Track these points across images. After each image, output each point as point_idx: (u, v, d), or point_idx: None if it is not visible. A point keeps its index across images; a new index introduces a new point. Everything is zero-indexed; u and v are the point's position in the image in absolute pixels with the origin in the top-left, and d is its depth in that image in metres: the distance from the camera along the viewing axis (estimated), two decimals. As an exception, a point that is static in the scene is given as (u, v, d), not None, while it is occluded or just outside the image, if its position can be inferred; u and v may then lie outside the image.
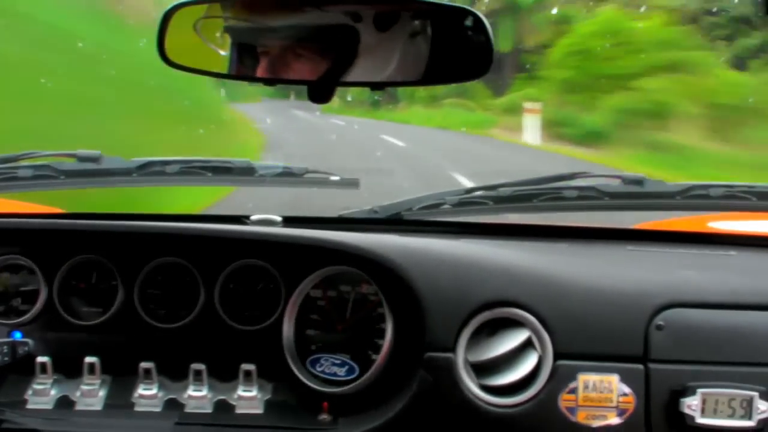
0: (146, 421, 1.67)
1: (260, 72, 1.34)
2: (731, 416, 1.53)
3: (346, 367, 1.71)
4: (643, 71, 13.83)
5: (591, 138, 13.72)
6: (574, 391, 1.54)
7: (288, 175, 2.26)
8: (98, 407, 1.69)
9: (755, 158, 10.28)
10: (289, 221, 1.91)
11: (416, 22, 1.32)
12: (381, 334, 1.69)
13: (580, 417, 1.54)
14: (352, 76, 1.33)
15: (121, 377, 1.72)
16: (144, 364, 1.69)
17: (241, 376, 1.69)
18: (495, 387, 1.57)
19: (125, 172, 2.17)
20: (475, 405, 1.56)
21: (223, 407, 1.69)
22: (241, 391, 1.69)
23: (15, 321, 1.79)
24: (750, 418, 1.52)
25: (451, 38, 1.35)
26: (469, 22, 1.31)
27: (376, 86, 1.36)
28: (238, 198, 5.54)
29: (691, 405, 1.52)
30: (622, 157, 11.79)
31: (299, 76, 1.34)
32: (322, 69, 1.32)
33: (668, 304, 1.58)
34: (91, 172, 2.16)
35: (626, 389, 1.54)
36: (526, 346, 1.57)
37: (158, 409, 1.68)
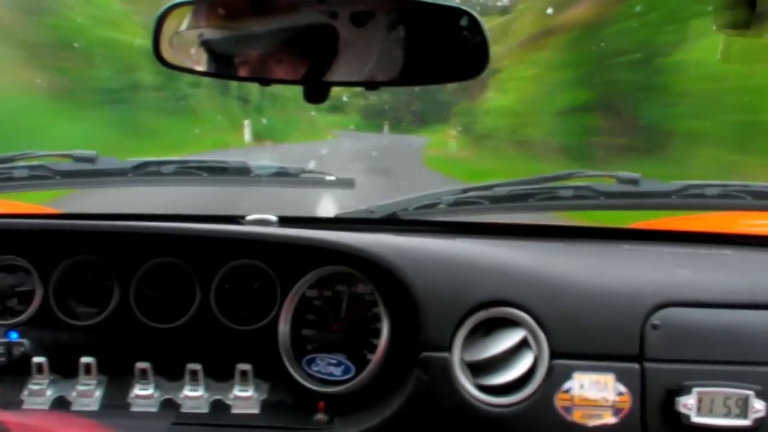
0: (142, 421, 1.67)
1: (253, 73, 1.35)
2: (727, 415, 1.53)
3: (342, 367, 1.71)
4: None
5: None
6: (569, 390, 1.55)
7: (284, 175, 2.26)
8: (94, 407, 1.69)
9: None
10: (284, 221, 1.92)
11: (408, 22, 1.32)
12: (377, 333, 1.69)
13: (576, 416, 1.54)
14: (345, 75, 1.33)
15: (117, 377, 1.72)
16: (140, 365, 1.69)
17: (237, 376, 1.69)
18: (491, 386, 1.57)
19: (121, 173, 2.17)
20: (471, 405, 1.56)
21: (219, 407, 1.69)
22: (237, 391, 1.69)
23: (11, 321, 1.79)
24: (745, 417, 1.52)
25: (447, 38, 1.35)
26: (464, 22, 1.32)
27: (370, 86, 1.36)
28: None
29: (687, 404, 1.52)
30: None
31: (288, 75, 1.34)
32: (310, 68, 1.32)
33: (664, 304, 1.59)
34: (86, 173, 2.16)
35: (622, 388, 1.54)
36: (522, 345, 1.57)
37: (154, 410, 1.68)
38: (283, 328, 1.74)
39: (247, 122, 18.46)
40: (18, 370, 1.73)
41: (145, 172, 2.17)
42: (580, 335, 1.57)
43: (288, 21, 1.30)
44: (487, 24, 1.31)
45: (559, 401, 1.55)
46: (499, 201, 2.13)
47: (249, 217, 1.91)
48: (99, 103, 14.14)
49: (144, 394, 1.69)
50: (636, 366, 1.56)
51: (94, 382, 1.70)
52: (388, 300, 1.68)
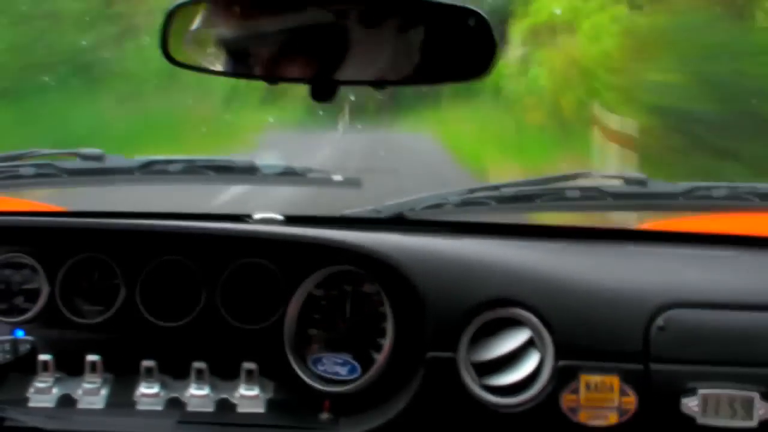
0: (148, 419, 1.67)
1: (259, 71, 1.35)
2: (732, 417, 1.53)
3: (348, 367, 1.71)
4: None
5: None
6: (575, 391, 1.55)
7: (290, 175, 2.26)
8: (100, 406, 1.69)
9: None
10: (291, 220, 1.92)
11: (417, 22, 1.32)
12: (383, 333, 1.69)
13: (582, 417, 1.54)
14: (353, 74, 1.33)
15: (122, 376, 1.73)
16: (146, 363, 1.69)
17: (242, 374, 1.69)
18: (496, 387, 1.57)
19: (127, 171, 2.17)
20: (476, 405, 1.56)
21: (224, 406, 1.69)
22: (242, 390, 1.69)
23: (17, 319, 1.80)
24: (750, 418, 1.52)
25: (455, 37, 1.35)
26: (472, 21, 1.32)
27: (377, 85, 1.37)
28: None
29: (692, 405, 1.52)
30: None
31: (296, 74, 1.34)
32: (318, 66, 1.32)
33: (670, 304, 1.58)
34: (93, 171, 2.16)
35: (627, 389, 1.54)
36: (528, 345, 1.58)
37: (160, 408, 1.68)
38: (289, 327, 1.74)
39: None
40: (24, 368, 1.73)
41: (151, 170, 2.17)
42: (586, 336, 1.57)
43: (297, 20, 1.30)
44: None
45: (565, 402, 1.55)
46: (506, 201, 2.13)
47: (255, 216, 1.91)
48: None
49: (149, 392, 1.69)
50: (641, 367, 1.55)
51: (100, 380, 1.70)
52: (394, 299, 1.68)
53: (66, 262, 1.81)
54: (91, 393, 1.69)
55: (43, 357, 1.70)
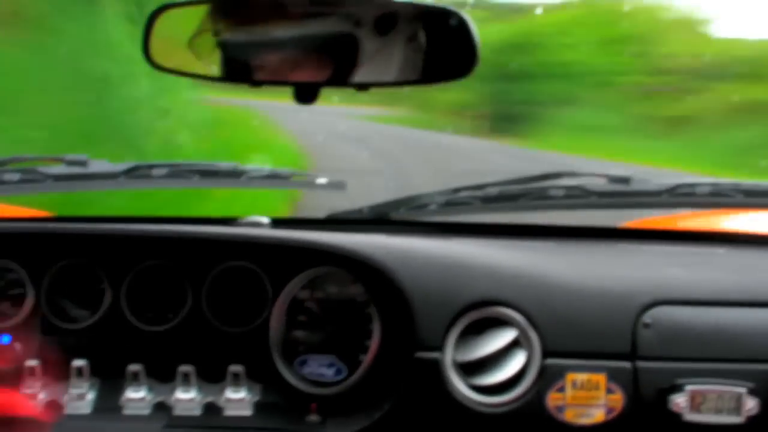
0: (135, 424, 1.66)
1: (241, 75, 1.35)
2: (719, 413, 1.53)
3: (334, 368, 1.71)
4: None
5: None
6: (562, 389, 1.55)
7: (275, 178, 2.26)
8: (87, 411, 1.68)
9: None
10: (276, 222, 1.91)
11: (399, 24, 1.33)
12: (369, 334, 1.70)
13: (569, 416, 1.55)
14: (337, 77, 1.34)
15: (109, 380, 1.72)
16: (132, 367, 1.68)
17: (229, 378, 1.69)
18: (483, 386, 1.57)
19: (112, 176, 2.16)
20: (463, 405, 1.56)
21: (211, 409, 1.69)
22: (229, 393, 1.68)
23: (3, 325, 1.79)
24: (738, 414, 1.53)
25: (435, 39, 1.36)
26: (454, 22, 1.32)
27: (360, 87, 1.37)
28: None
29: (680, 402, 1.53)
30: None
31: (278, 78, 1.35)
32: (300, 71, 1.33)
33: (655, 302, 1.59)
34: (77, 176, 2.15)
35: (614, 387, 1.55)
36: (514, 345, 1.58)
37: (147, 412, 1.68)
38: (275, 329, 1.74)
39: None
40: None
41: (135, 175, 2.16)
42: (572, 334, 1.57)
43: (280, 26, 1.30)
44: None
45: (551, 401, 1.55)
46: (490, 201, 2.13)
47: (241, 219, 1.91)
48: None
49: (136, 396, 1.68)
50: (628, 365, 1.56)
51: (87, 385, 1.69)
52: (379, 301, 1.68)
53: (51, 267, 1.81)
54: (78, 398, 1.68)
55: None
